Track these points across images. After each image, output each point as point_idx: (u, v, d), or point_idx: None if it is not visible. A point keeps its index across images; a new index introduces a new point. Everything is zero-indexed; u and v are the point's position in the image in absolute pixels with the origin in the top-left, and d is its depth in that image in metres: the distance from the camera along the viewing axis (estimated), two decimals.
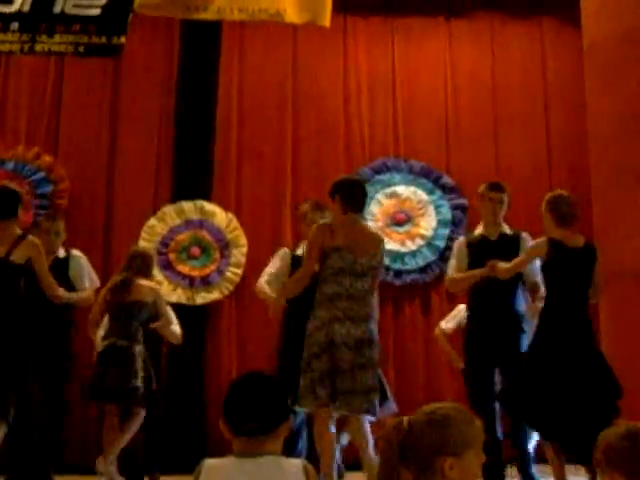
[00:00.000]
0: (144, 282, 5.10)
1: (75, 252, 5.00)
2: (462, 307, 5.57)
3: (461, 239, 4.93)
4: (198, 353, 6.53)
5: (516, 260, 4.30)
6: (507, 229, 4.74)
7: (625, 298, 4.16)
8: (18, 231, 4.32)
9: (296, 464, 1.94)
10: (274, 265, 4.97)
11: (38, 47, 6.42)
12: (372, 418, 3.90)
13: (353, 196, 4.12)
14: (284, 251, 4.99)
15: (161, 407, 5.24)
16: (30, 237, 4.34)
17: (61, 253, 4.94)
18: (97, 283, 5.10)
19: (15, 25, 6.14)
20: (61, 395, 4.80)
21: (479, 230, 4.82)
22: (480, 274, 4.51)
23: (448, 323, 5.61)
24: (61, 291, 4.54)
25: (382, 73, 7.11)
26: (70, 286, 4.83)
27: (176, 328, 5.42)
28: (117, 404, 4.95)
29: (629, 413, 3.72)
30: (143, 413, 4.93)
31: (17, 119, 6.75)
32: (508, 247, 4.58)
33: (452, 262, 4.85)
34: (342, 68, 7.10)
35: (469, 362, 4.68)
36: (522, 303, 4.65)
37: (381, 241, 4.18)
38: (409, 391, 6.37)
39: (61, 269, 4.84)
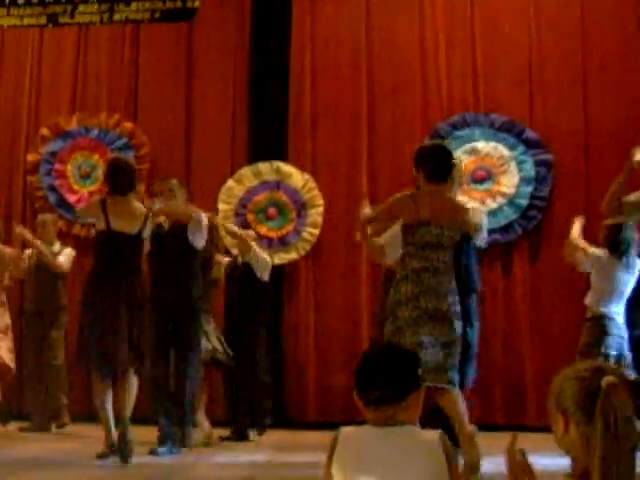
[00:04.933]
0: None
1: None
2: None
3: None
4: (276, 313, 7.28)
5: None
6: None
7: None
8: (141, 208, 5.09)
9: (432, 435, 2.08)
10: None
11: (116, 16, 7.31)
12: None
13: (434, 166, 4.38)
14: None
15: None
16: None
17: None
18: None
19: None
20: None
21: None
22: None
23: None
24: None
25: (460, 21, 7.53)
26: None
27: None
28: None
29: None
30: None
31: (98, 88, 7.75)
32: None
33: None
34: (418, 18, 7.56)
35: None
36: None
37: (467, 211, 4.39)
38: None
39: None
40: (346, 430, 2.11)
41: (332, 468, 2.05)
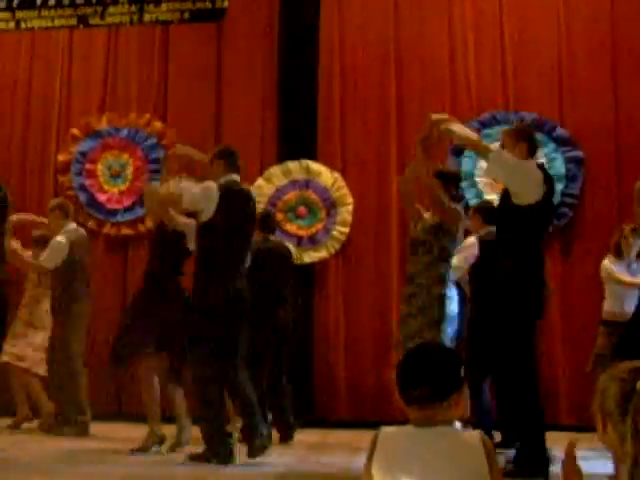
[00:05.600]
0: None
1: None
2: None
3: None
4: (306, 311, 7.35)
5: None
6: None
7: None
8: None
9: (474, 435, 2.08)
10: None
11: (146, 17, 7.43)
12: None
13: (457, 188, 5.13)
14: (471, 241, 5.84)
15: None
16: None
17: None
18: None
19: None
20: None
21: None
22: None
23: None
24: None
25: (489, 18, 7.54)
26: None
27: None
28: None
29: None
30: None
31: (128, 87, 7.86)
32: None
33: None
34: (447, 17, 7.60)
35: None
36: None
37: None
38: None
39: None
40: (387, 430, 2.11)
41: (372, 468, 2.06)
